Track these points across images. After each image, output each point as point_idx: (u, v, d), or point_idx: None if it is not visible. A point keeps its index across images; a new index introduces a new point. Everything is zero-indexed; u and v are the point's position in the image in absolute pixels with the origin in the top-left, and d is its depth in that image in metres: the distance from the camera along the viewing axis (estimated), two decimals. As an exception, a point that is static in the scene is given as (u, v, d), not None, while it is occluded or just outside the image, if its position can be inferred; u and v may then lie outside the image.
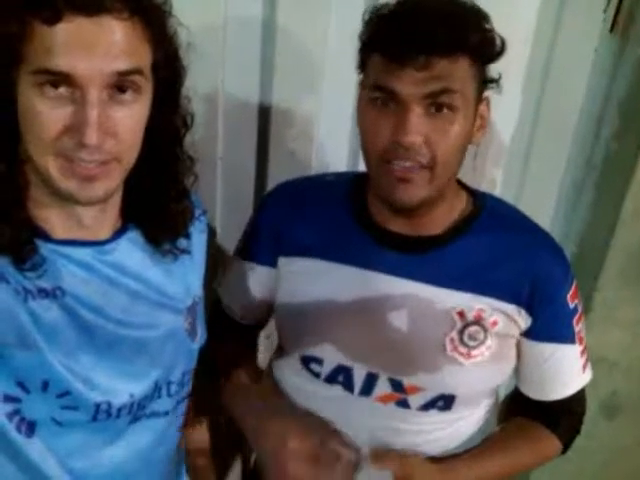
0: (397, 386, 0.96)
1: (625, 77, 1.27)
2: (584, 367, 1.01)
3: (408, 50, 0.80)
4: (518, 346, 0.98)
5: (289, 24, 1.21)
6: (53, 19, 0.65)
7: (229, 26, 1.20)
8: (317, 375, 1.01)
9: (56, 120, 0.68)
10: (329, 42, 1.18)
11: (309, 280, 0.99)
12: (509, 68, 1.22)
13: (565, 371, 1.00)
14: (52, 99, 0.67)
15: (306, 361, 1.02)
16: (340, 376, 0.99)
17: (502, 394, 1.13)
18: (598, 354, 1.20)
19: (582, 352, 1.00)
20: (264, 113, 1.29)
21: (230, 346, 1.12)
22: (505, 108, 1.28)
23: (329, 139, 1.27)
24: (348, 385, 0.99)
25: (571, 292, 0.97)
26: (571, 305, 0.96)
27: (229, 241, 1.29)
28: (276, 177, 1.25)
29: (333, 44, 1.19)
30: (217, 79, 1.23)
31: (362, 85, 0.90)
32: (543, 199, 1.39)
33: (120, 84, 0.69)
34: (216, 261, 1.17)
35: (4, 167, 0.72)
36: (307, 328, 1.01)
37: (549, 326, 0.96)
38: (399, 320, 0.94)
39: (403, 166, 0.84)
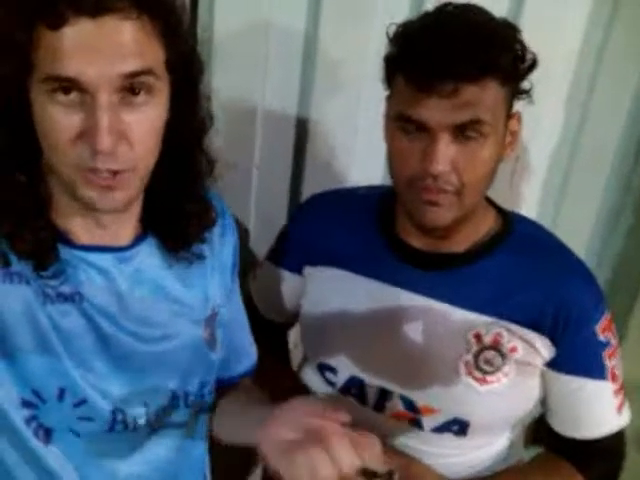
0: (409, 405, 0.95)
1: (670, 99, 1.25)
2: (619, 408, 0.95)
3: (434, 77, 0.77)
4: (543, 377, 0.94)
5: (330, 38, 1.21)
6: (57, 23, 0.63)
7: (271, 37, 1.21)
8: (332, 384, 1.01)
9: (69, 126, 0.66)
10: (370, 56, 1.18)
11: (330, 289, 1.00)
12: (552, 87, 1.22)
13: (596, 409, 0.94)
14: (64, 105, 0.65)
15: (322, 369, 1.02)
16: (353, 388, 0.99)
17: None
18: (632, 382, 1.16)
19: (616, 391, 0.94)
20: (302, 124, 1.30)
21: (261, 342, 1.13)
22: (546, 128, 1.26)
23: (365, 152, 1.27)
24: (362, 398, 0.98)
25: (602, 324, 0.91)
26: (602, 338, 0.91)
27: (262, 249, 1.30)
28: (311, 187, 1.26)
29: (373, 58, 1.20)
30: (257, 89, 1.24)
31: (388, 101, 0.89)
32: (580, 222, 1.36)
33: (131, 86, 0.66)
34: (247, 266, 1.18)
35: (25, 178, 0.71)
36: (325, 336, 1.02)
37: (575, 358, 0.91)
38: (414, 337, 0.93)
39: (431, 190, 0.83)
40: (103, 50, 0.64)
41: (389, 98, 0.89)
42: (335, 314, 0.99)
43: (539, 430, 1.38)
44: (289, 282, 1.07)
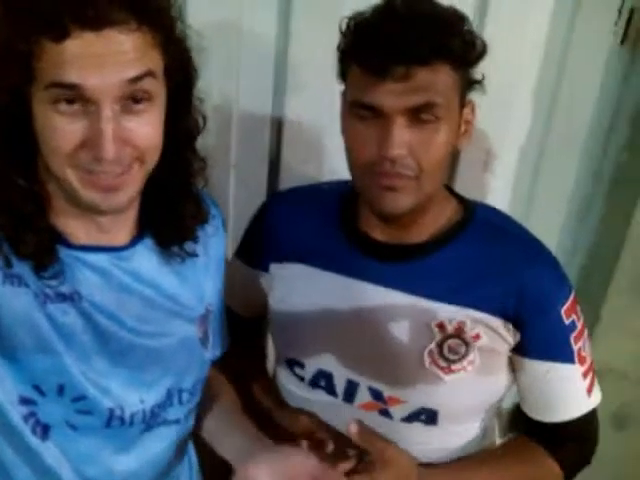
0: (377, 396, 0.96)
1: (636, 89, 1.28)
2: (589, 390, 0.95)
3: (386, 61, 0.79)
4: (511, 363, 0.95)
5: (302, 37, 1.23)
6: (60, 36, 0.64)
7: (244, 38, 1.22)
8: (301, 378, 1.02)
9: (72, 135, 0.68)
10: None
11: (296, 285, 1.00)
12: (520, 80, 1.25)
13: (565, 392, 0.94)
14: (67, 115, 0.67)
15: (290, 364, 1.03)
16: (322, 381, 0.99)
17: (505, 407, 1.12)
18: (607, 365, 1.19)
19: (585, 373, 0.94)
20: (277, 123, 1.31)
21: (235, 340, 1.11)
22: (515, 120, 1.29)
23: (339, 150, 1.27)
24: (330, 390, 0.99)
25: (566, 307, 0.91)
26: (567, 321, 0.91)
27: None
28: (287, 185, 1.27)
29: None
30: (232, 90, 1.26)
31: (344, 96, 0.90)
32: (552, 211, 1.39)
33: (133, 94, 0.68)
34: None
35: (23, 182, 0.72)
36: (292, 332, 1.02)
37: (541, 343, 0.91)
38: (379, 329, 0.93)
39: (389, 175, 0.84)
40: (106, 59, 0.66)
41: (344, 91, 0.90)
42: (300, 310, 0.99)
43: (516, 420, 1.41)
44: (256, 279, 1.07)
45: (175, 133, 0.77)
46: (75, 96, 0.66)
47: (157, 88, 0.71)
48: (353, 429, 0.88)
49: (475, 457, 1.00)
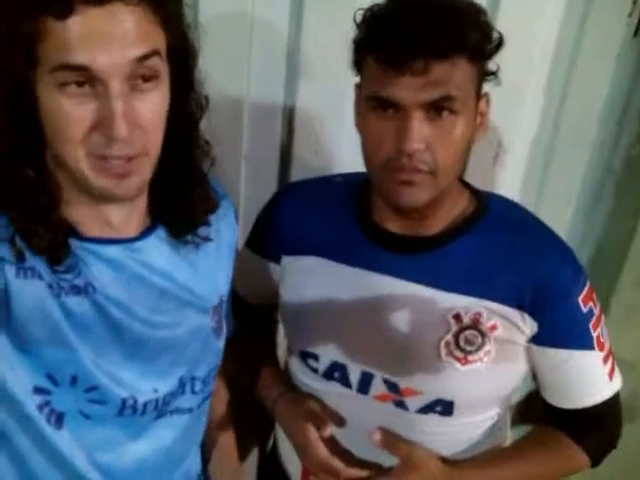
0: (392, 387, 0.96)
1: (648, 81, 1.28)
2: (610, 374, 0.95)
3: (405, 55, 0.78)
4: (529, 353, 0.95)
5: (315, 28, 1.22)
6: (65, 13, 0.63)
7: (256, 28, 1.22)
8: (315, 370, 1.02)
9: (83, 117, 0.67)
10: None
11: (309, 278, 1.00)
12: (531, 72, 1.25)
13: (587, 378, 0.94)
14: (76, 97, 0.66)
15: (304, 356, 1.03)
16: (336, 373, 0.99)
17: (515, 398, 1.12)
18: (616, 356, 1.19)
19: (605, 358, 0.94)
20: (288, 114, 1.31)
21: (245, 327, 1.12)
22: (526, 113, 1.29)
23: (352, 142, 1.27)
24: (345, 382, 0.99)
25: (583, 295, 0.91)
26: (584, 309, 0.91)
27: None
28: (299, 177, 1.27)
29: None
30: (243, 81, 1.26)
31: (358, 88, 0.90)
32: (562, 204, 1.38)
33: (140, 73, 0.68)
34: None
35: (33, 173, 0.71)
36: (305, 324, 1.02)
37: (559, 331, 0.92)
38: (394, 321, 0.93)
39: (406, 170, 0.84)
40: (112, 37, 0.65)
41: (359, 84, 0.89)
42: (314, 302, 0.99)
43: (527, 410, 1.42)
44: (267, 269, 1.07)
45: (178, 116, 0.76)
46: (83, 78, 0.65)
47: (162, 67, 0.71)
48: (377, 437, 0.90)
49: (503, 452, 1.01)
